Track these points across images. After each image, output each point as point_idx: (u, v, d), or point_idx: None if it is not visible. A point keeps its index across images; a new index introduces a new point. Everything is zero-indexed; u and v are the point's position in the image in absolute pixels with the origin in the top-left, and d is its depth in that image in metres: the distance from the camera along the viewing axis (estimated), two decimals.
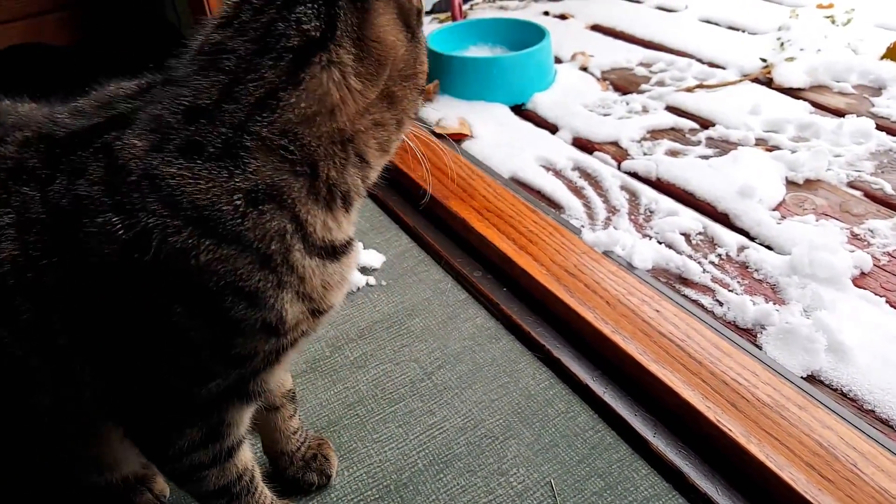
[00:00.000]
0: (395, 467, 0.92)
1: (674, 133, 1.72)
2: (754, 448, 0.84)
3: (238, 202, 0.54)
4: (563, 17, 2.45)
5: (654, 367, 0.95)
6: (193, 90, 0.56)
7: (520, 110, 1.88)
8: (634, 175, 1.58)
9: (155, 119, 0.55)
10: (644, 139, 1.70)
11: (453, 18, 2.26)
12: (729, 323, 1.16)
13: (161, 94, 0.58)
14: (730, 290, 1.23)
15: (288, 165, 0.56)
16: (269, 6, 0.56)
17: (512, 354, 1.07)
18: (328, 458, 0.91)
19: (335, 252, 0.62)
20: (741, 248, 1.32)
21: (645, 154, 1.65)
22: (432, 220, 1.37)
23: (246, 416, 0.69)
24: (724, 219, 1.41)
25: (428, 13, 2.54)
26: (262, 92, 0.55)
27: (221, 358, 0.59)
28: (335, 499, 0.89)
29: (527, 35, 1.97)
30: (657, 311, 1.04)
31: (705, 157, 1.60)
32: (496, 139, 1.72)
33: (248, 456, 0.73)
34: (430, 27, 2.30)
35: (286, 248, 0.57)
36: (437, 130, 1.71)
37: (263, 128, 0.55)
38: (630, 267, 1.24)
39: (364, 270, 1.26)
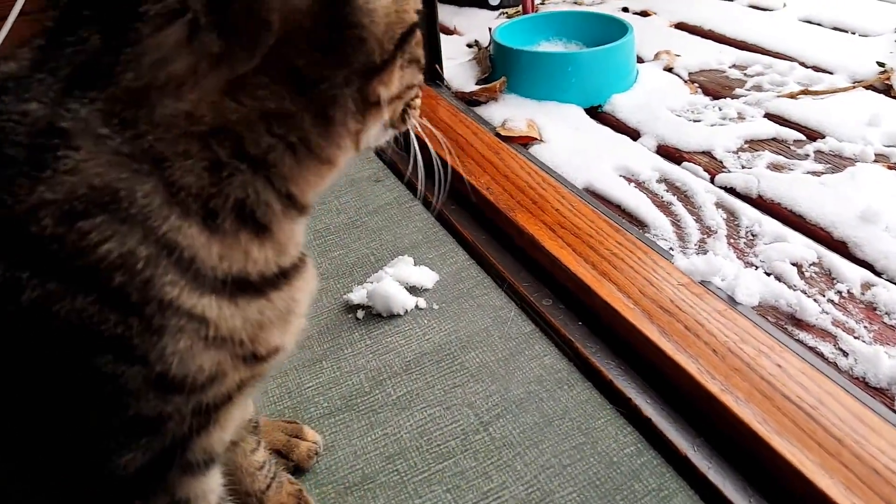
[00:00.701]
0: None
1: (776, 144, 1.49)
2: None
3: (47, 220, 0.40)
4: (644, 13, 2.24)
5: (777, 442, 0.74)
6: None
7: (596, 113, 1.68)
8: (731, 191, 1.36)
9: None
10: (741, 150, 1.48)
11: (524, 11, 2.08)
12: (856, 379, 0.94)
13: None
14: (856, 337, 1.00)
15: (122, 160, 0.41)
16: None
17: (589, 407, 0.87)
18: None
19: (265, 282, 0.47)
20: (866, 285, 1.09)
21: (743, 167, 1.43)
22: (495, 234, 1.18)
23: (207, 486, 0.53)
24: (842, 248, 1.18)
25: (496, 7, 2.36)
26: (83, 57, 0.41)
27: (118, 423, 0.44)
28: None
29: (605, 30, 1.77)
30: (779, 365, 0.82)
31: (815, 174, 1.37)
32: (569, 144, 1.52)
33: None
34: (498, 21, 2.13)
35: (144, 280, 0.41)
36: (502, 132, 1.52)
37: (84, 106, 0.40)
38: (732, 301, 1.03)
39: (413, 290, 1.08)
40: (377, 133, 0.52)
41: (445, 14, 2.26)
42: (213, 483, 0.54)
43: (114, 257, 0.41)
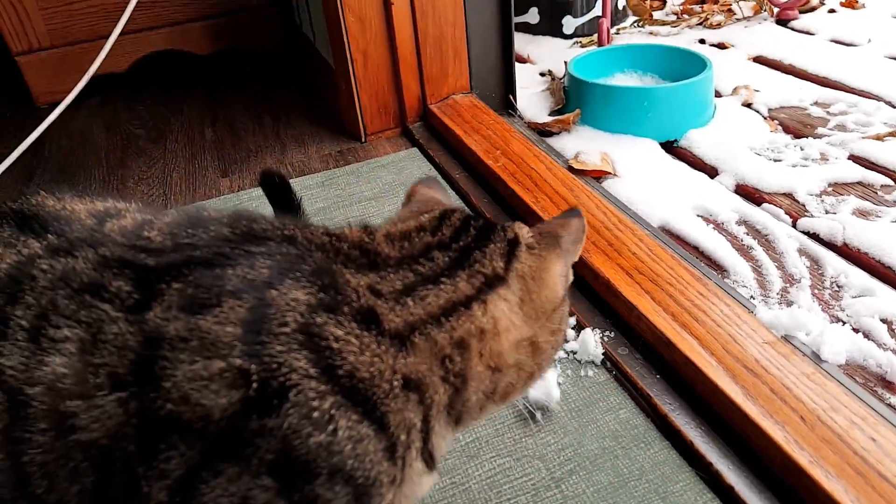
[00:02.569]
0: None
1: (862, 188, 1.43)
2: None
3: (396, 383, 0.52)
4: (721, 46, 2.19)
5: None
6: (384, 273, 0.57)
7: (672, 148, 1.64)
8: (815, 237, 1.31)
9: (328, 276, 0.53)
10: (825, 193, 1.43)
11: (599, 43, 2.06)
12: None
13: (342, 253, 0.57)
14: None
15: (444, 371, 0.55)
16: (465, 234, 0.60)
17: (667, 468, 0.84)
18: None
19: (432, 463, 0.58)
20: None
21: (827, 212, 1.37)
22: None
23: None
24: None
25: (570, 36, 2.35)
26: (452, 299, 0.56)
27: None
28: None
29: (682, 64, 1.74)
30: (873, 439, 0.78)
31: None
32: (644, 180, 1.49)
33: None
34: (572, 52, 2.11)
35: (405, 445, 0.53)
36: (575, 165, 1.50)
37: (441, 331, 0.55)
38: (817, 359, 0.98)
39: None
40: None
41: (520, 43, 2.25)
42: None
43: (409, 421, 0.53)
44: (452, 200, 0.74)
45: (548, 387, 0.94)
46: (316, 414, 0.47)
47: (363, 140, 1.74)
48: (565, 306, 0.66)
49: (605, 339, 1.03)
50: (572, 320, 1.06)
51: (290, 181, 0.91)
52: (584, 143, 1.62)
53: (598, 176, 1.51)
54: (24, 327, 0.49)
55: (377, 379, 0.51)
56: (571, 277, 0.67)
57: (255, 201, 1.48)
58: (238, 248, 0.54)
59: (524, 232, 0.64)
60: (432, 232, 0.61)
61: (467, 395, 0.58)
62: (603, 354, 1.00)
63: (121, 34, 1.85)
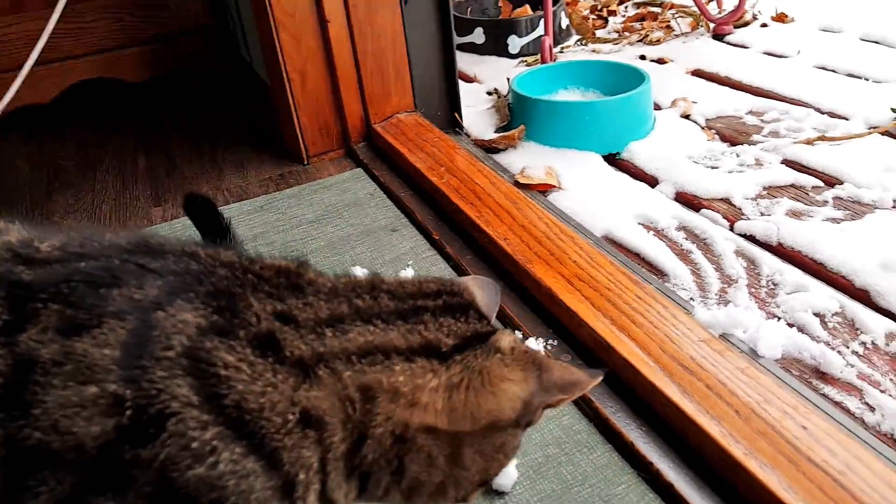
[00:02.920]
0: None
1: (794, 190, 1.49)
2: None
3: (292, 416, 0.48)
4: (661, 61, 2.25)
5: None
6: (326, 295, 0.55)
7: (614, 160, 1.68)
8: (751, 238, 1.35)
9: (225, 297, 0.50)
10: (760, 196, 1.48)
11: (543, 61, 2.10)
12: (884, 436, 0.92)
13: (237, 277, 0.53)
14: (882, 391, 0.98)
15: (346, 413, 0.51)
16: (429, 298, 0.58)
17: (609, 472, 0.85)
18: None
19: None
20: (891, 336, 1.07)
21: (762, 214, 1.42)
22: (512, 286, 1.17)
23: None
24: (864, 297, 1.16)
25: (516, 55, 2.40)
26: (376, 343, 0.53)
27: None
28: None
29: (622, 78, 1.78)
30: (804, 427, 0.80)
31: (835, 221, 1.36)
32: (587, 192, 1.52)
33: None
34: (517, 69, 2.15)
35: (304, 485, 0.49)
36: (521, 180, 1.53)
37: (349, 369, 0.51)
38: (754, 355, 1.01)
39: None
40: None
41: (466, 63, 2.29)
42: None
43: (306, 460, 0.49)
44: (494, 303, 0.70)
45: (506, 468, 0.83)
46: (196, 445, 0.44)
47: (306, 162, 1.73)
48: (511, 439, 0.59)
49: (549, 347, 1.04)
50: (518, 333, 1.07)
51: (228, 206, 0.90)
52: (529, 159, 1.65)
53: (543, 189, 1.53)
54: None
55: (268, 411, 0.47)
56: (537, 421, 0.61)
57: (190, 230, 1.46)
58: (131, 260, 0.51)
59: (508, 338, 0.59)
60: (396, 285, 0.58)
61: (364, 454, 0.52)
62: None
63: (46, 63, 1.80)
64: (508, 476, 0.85)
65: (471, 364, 0.55)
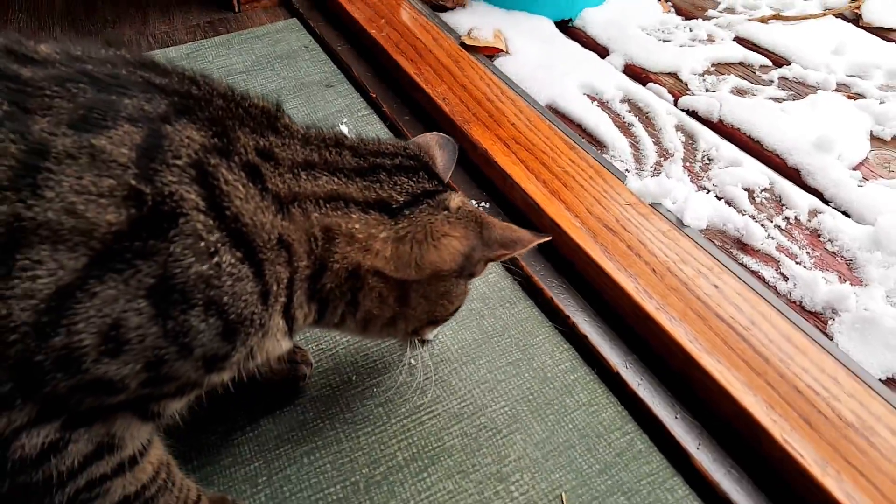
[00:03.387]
0: (369, 459, 0.74)
1: (742, 68, 1.47)
2: (831, 483, 0.65)
3: (272, 237, 0.54)
4: None
5: (706, 361, 0.75)
6: (300, 141, 0.60)
7: (566, 27, 1.62)
8: (693, 114, 1.34)
9: (221, 126, 0.54)
10: (707, 72, 1.45)
11: None
12: (794, 303, 0.96)
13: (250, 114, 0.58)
14: (797, 263, 1.02)
15: (311, 246, 0.58)
16: (386, 157, 0.64)
17: (528, 324, 0.87)
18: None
19: (292, 327, 0.60)
20: (813, 212, 1.10)
21: (707, 90, 1.40)
22: None
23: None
24: (794, 175, 1.18)
25: None
26: (339, 191, 0.59)
27: (152, 369, 0.51)
28: (287, 494, 0.71)
29: None
30: (716, 286, 0.82)
31: (777, 100, 1.36)
32: (536, 58, 1.47)
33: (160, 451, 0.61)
34: None
35: (276, 296, 0.56)
36: (468, 41, 1.46)
37: (322, 212, 0.58)
38: (680, 224, 1.02)
39: None
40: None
41: None
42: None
43: (279, 275, 0.57)
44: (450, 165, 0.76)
45: None
46: (202, 245, 0.49)
47: (237, 10, 1.62)
48: (454, 287, 0.65)
49: (481, 208, 1.04)
50: None
51: (152, 51, 0.84)
52: (478, 19, 1.57)
53: (491, 53, 1.47)
54: None
55: (258, 228, 0.53)
56: (480, 273, 0.67)
57: None
58: (137, 73, 0.53)
59: (457, 199, 0.65)
60: (358, 142, 0.64)
61: (323, 282, 0.60)
62: None
63: None
64: None
65: (417, 220, 0.61)
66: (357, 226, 0.59)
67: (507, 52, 1.48)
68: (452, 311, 0.68)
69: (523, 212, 1.00)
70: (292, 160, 0.58)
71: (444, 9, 1.63)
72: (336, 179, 0.59)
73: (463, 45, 1.44)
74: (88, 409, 0.51)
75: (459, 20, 1.59)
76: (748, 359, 0.75)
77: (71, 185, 0.46)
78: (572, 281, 0.90)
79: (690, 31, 1.59)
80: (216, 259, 0.49)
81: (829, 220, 1.07)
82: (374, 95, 1.26)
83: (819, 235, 1.07)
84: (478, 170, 1.09)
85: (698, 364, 0.75)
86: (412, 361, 0.83)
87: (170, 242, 0.47)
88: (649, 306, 0.80)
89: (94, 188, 0.46)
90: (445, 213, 0.62)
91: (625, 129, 1.29)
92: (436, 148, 0.73)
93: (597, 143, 1.25)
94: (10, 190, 0.44)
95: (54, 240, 0.45)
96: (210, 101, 0.55)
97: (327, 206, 0.58)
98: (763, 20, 1.61)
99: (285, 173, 0.56)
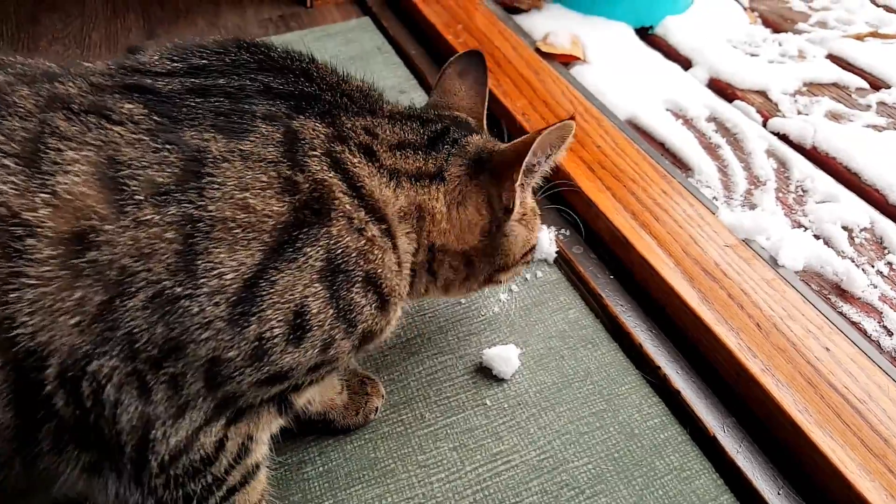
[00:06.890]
0: None
1: (836, 90, 1.37)
2: None
3: (396, 209, 0.60)
4: None
5: (817, 436, 0.68)
6: (393, 122, 0.64)
7: (646, 35, 1.53)
8: (785, 138, 1.25)
9: (331, 116, 0.59)
10: (799, 93, 1.36)
11: None
12: None
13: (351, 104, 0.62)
14: None
15: (411, 225, 0.62)
16: (438, 123, 0.67)
17: (612, 370, 0.81)
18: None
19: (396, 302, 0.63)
20: None
21: (799, 112, 1.31)
22: None
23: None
24: None
25: None
26: (423, 169, 0.63)
27: (324, 352, 0.55)
28: None
29: None
30: (827, 349, 0.75)
31: (876, 128, 1.26)
32: (615, 68, 1.39)
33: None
34: None
35: (404, 266, 0.61)
36: (543, 48, 1.39)
37: (415, 192, 0.62)
38: (773, 263, 0.95)
39: None
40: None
41: None
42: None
43: (407, 245, 0.63)
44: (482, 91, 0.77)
45: (508, 355, 0.82)
46: (355, 222, 0.53)
47: (309, 5, 1.57)
48: (495, 240, 0.68)
49: (561, 236, 0.97)
50: None
51: None
52: (554, 23, 1.50)
53: (566, 61, 1.40)
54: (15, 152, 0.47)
55: (386, 202, 0.58)
56: (513, 201, 0.67)
57: None
58: (257, 79, 0.57)
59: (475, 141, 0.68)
60: (420, 115, 0.68)
61: (419, 256, 0.64)
62: (556, 253, 0.95)
63: None
64: (510, 364, 0.81)
65: (462, 179, 0.65)
66: (436, 204, 0.63)
67: (584, 61, 1.41)
68: (519, 255, 0.71)
69: (608, 244, 0.93)
70: (390, 139, 0.62)
71: (519, 11, 1.56)
72: (418, 157, 0.63)
73: (538, 50, 1.37)
74: (247, 405, 0.54)
75: (534, 23, 1.51)
76: (864, 437, 0.68)
77: (235, 183, 0.49)
78: (663, 327, 0.83)
79: (780, 45, 1.49)
80: (368, 234, 0.54)
81: None
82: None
83: None
84: (558, 194, 1.02)
85: (808, 438, 0.68)
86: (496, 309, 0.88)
87: (330, 225, 0.52)
88: (754, 367, 0.73)
89: (257, 182, 0.50)
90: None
91: (712, 151, 1.21)
92: (457, 81, 0.75)
93: (681, 164, 1.18)
94: (178, 192, 0.48)
95: (226, 235, 0.48)
96: (320, 96, 0.59)
97: (417, 183, 0.62)
98: (859, 37, 1.50)
99: (387, 151, 0.60)
